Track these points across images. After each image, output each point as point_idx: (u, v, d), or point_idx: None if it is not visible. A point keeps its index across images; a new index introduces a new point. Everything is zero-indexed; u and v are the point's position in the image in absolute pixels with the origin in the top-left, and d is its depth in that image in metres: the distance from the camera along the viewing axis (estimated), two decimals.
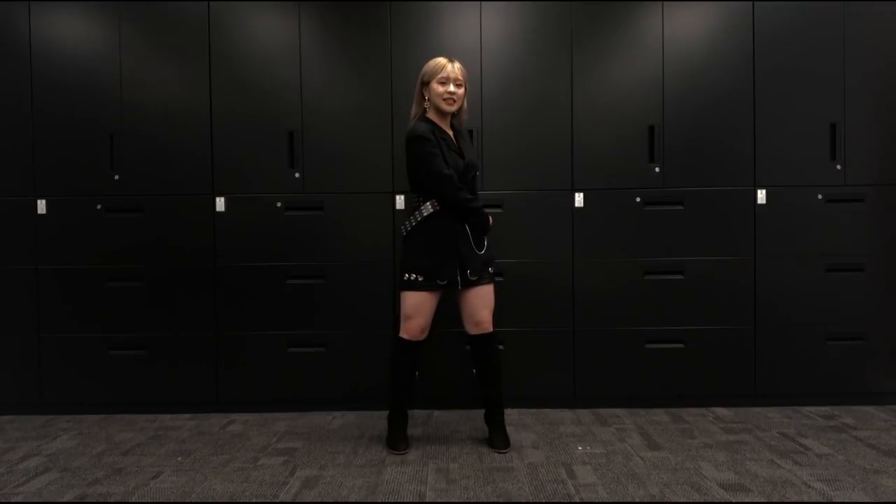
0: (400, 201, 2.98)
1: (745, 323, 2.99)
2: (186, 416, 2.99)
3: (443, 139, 2.44)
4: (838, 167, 2.97)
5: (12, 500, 2.10)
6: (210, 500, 2.08)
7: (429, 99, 2.46)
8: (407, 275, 2.43)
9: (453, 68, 2.44)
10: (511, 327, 2.97)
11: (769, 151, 2.97)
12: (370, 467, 2.33)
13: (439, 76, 2.42)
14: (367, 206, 2.99)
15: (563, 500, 2.03)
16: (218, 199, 2.99)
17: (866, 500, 2.02)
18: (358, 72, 2.99)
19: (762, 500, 2.02)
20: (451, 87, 2.42)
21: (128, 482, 2.23)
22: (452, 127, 2.54)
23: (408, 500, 2.05)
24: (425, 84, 2.46)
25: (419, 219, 2.44)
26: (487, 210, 2.74)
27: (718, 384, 2.99)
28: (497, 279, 2.92)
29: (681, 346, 3.00)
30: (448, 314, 2.61)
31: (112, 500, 2.09)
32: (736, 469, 2.27)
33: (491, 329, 2.50)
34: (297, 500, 2.07)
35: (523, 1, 2.99)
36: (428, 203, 2.43)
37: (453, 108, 2.46)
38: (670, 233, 2.99)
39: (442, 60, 2.44)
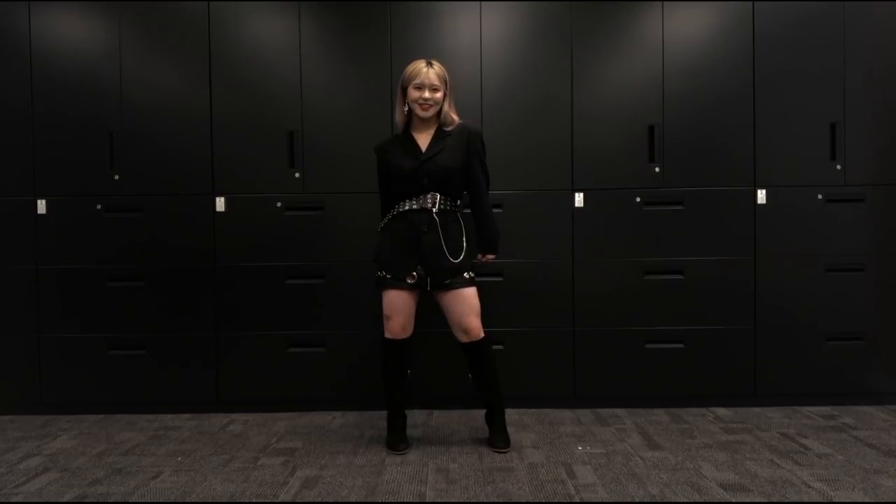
0: None
1: (745, 323, 2.99)
2: (186, 416, 2.99)
3: (400, 144, 2.44)
4: (838, 167, 2.97)
5: (12, 500, 2.10)
6: (210, 500, 2.08)
7: (407, 104, 2.44)
8: (378, 272, 2.47)
9: (428, 73, 2.37)
10: (511, 327, 2.97)
11: (769, 151, 2.97)
12: (370, 467, 2.33)
13: (414, 82, 2.38)
14: (367, 206, 2.97)
15: (563, 500, 2.03)
16: (218, 199, 2.99)
17: (866, 500, 2.02)
18: (358, 72, 2.99)
19: (762, 500, 2.02)
20: (426, 94, 2.37)
21: (128, 482, 2.23)
22: (440, 128, 2.46)
23: (408, 500, 2.05)
24: (403, 89, 2.44)
25: (391, 216, 2.46)
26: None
27: (718, 384, 2.99)
28: (497, 279, 2.94)
29: (681, 346, 3.00)
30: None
31: (112, 500, 2.09)
32: (736, 469, 2.27)
33: (482, 335, 2.44)
34: (297, 500, 2.07)
35: (523, 1, 2.99)
36: (403, 202, 2.43)
37: (428, 114, 2.41)
38: (670, 233, 2.98)
39: (419, 65, 2.39)
